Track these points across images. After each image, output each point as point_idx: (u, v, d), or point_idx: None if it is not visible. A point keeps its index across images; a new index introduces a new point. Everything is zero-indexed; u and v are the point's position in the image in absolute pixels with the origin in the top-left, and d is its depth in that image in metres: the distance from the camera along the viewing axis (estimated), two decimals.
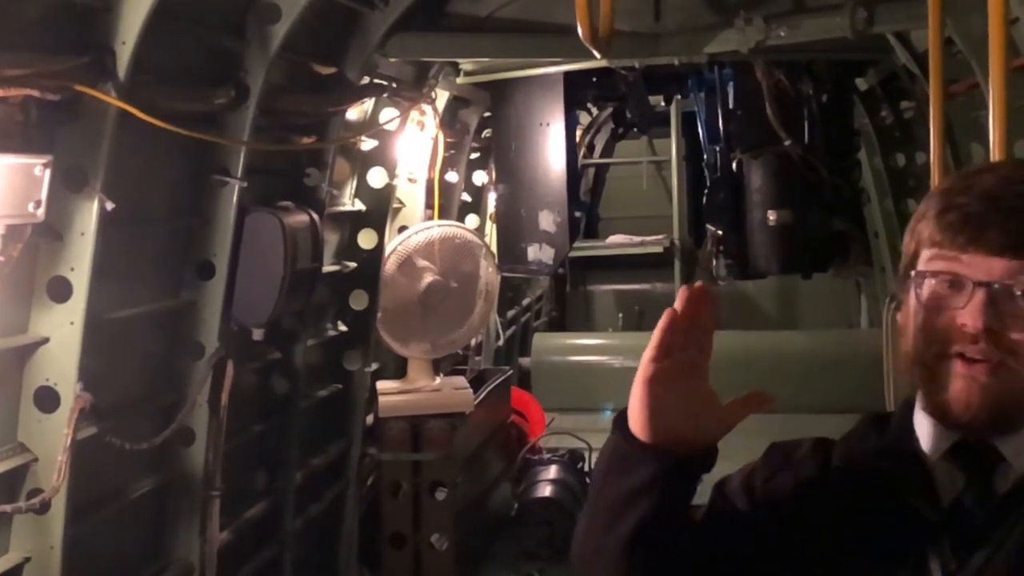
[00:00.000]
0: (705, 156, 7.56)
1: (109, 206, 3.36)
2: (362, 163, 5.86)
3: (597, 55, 4.53)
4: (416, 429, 5.92)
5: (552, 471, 6.78)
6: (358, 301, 5.85)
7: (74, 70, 3.25)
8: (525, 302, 10.71)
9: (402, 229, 6.25)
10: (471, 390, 6.27)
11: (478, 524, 6.53)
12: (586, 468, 6.96)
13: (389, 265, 5.88)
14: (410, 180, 6.34)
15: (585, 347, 10.32)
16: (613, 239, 11.96)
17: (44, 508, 3.34)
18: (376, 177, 5.87)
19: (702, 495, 1.70)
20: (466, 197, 7.96)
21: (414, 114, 5.96)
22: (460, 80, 6.54)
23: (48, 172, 3.15)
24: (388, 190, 5.96)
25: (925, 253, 1.56)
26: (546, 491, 6.61)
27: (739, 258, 7.25)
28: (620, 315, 12.21)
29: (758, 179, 7.04)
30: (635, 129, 11.05)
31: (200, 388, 4.17)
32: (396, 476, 5.95)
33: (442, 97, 6.39)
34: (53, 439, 3.38)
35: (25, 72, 3.06)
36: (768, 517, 1.66)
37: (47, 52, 3.19)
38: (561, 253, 7.00)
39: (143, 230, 4.04)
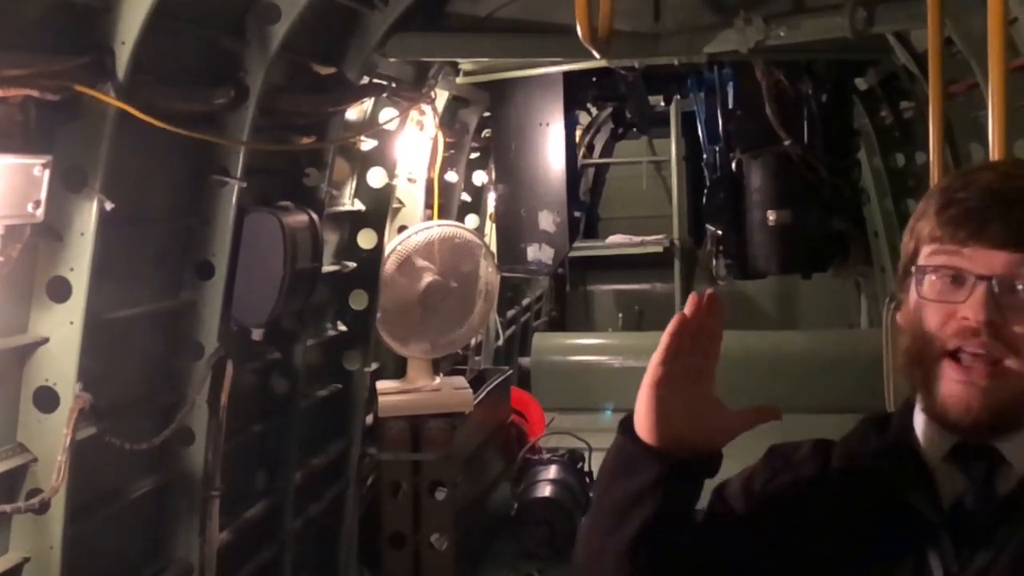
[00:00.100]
0: (705, 156, 7.56)
1: (108, 206, 3.36)
2: (362, 163, 5.86)
3: (597, 55, 4.53)
4: (416, 429, 5.92)
5: (552, 471, 6.78)
6: (358, 301, 5.85)
7: (74, 70, 3.25)
8: (525, 302, 10.71)
9: (402, 229, 6.25)
10: (471, 390, 6.27)
11: (478, 524, 6.53)
12: (586, 468, 6.96)
13: (389, 265, 5.88)
14: (410, 180, 6.34)
15: (585, 347, 10.33)
16: (613, 239, 11.96)
17: (43, 508, 3.34)
18: (376, 177, 5.87)
19: (702, 499, 1.70)
20: (466, 197, 7.96)
21: (414, 114, 5.96)
22: (460, 80, 6.54)
23: (47, 172, 3.15)
24: (388, 190, 5.96)
25: (925, 249, 1.56)
26: (546, 491, 6.61)
27: (739, 258, 7.25)
28: (620, 315, 12.22)
29: (758, 179, 7.04)
30: (635, 129, 11.05)
31: (200, 388, 4.17)
32: (396, 476, 5.95)
33: (442, 97, 6.39)
34: (52, 439, 3.38)
35: (25, 72, 3.06)
36: (768, 519, 1.66)
37: (47, 52, 3.19)
38: (561, 253, 7.00)
39: (143, 230, 4.04)
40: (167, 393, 4.19)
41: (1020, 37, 3.93)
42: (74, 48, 3.30)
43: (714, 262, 7.61)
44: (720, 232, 7.39)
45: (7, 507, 3.30)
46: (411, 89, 5.78)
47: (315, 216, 4.77)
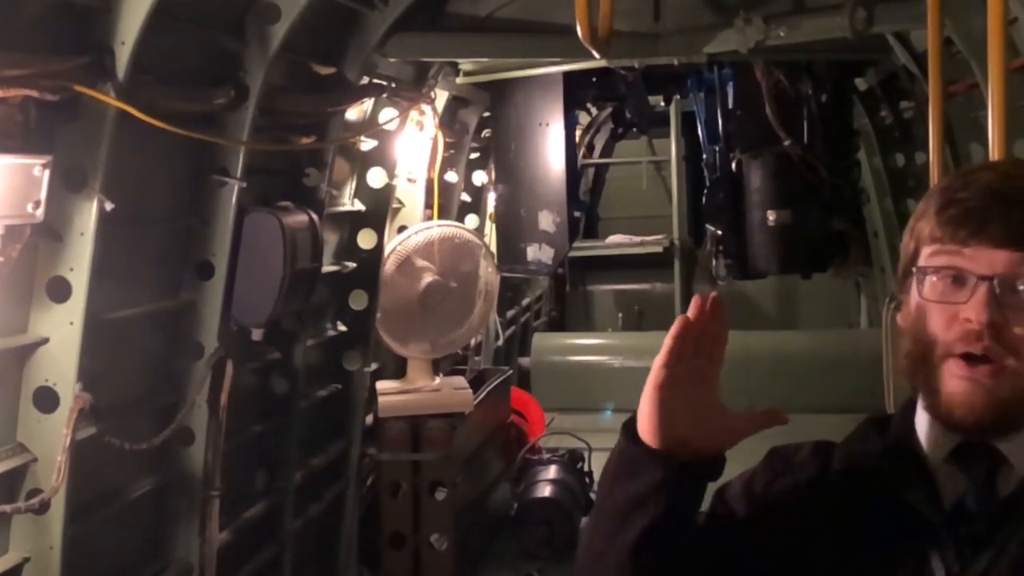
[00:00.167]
0: (705, 156, 7.57)
1: (108, 206, 3.36)
2: (361, 163, 5.86)
3: (596, 55, 4.53)
4: (416, 429, 5.92)
5: (552, 471, 6.78)
6: (358, 301, 5.85)
7: (73, 70, 3.25)
8: (525, 302, 10.71)
9: (401, 229, 6.25)
10: (471, 390, 6.27)
11: (478, 524, 6.53)
12: (586, 468, 6.96)
13: (388, 265, 5.88)
14: (409, 180, 6.34)
15: (585, 347, 10.33)
16: (613, 239, 11.96)
17: (43, 508, 3.34)
18: (375, 177, 5.87)
19: (703, 501, 1.69)
20: (465, 197, 7.96)
21: (413, 114, 5.96)
22: (459, 80, 6.54)
23: (47, 172, 3.16)
24: (387, 190, 5.96)
25: (926, 250, 1.55)
26: (546, 491, 6.61)
27: (739, 258, 7.26)
28: (620, 315, 12.22)
29: (757, 179, 7.05)
30: (635, 129, 11.06)
31: (199, 388, 4.17)
32: (396, 476, 5.95)
33: (441, 97, 6.39)
34: (52, 439, 3.38)
35: (24, 72, 3.06)
36: (770, 521, 1.66)
37: (47, 52, 3.19)
38: (560, 253, 7.00)
39: (142, 230, 4.04)
40: (167, 393, 4.19)
41: (1020, 37, 3.93)
42: (74, 48, 3.30)
43: (714, 262, 7.61)
44: (720, 232, 7.39)
45: (7, 507, 3.30)
46: (411, 89, 5.79)
47: (315, 216, 4.77)
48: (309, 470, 5.39)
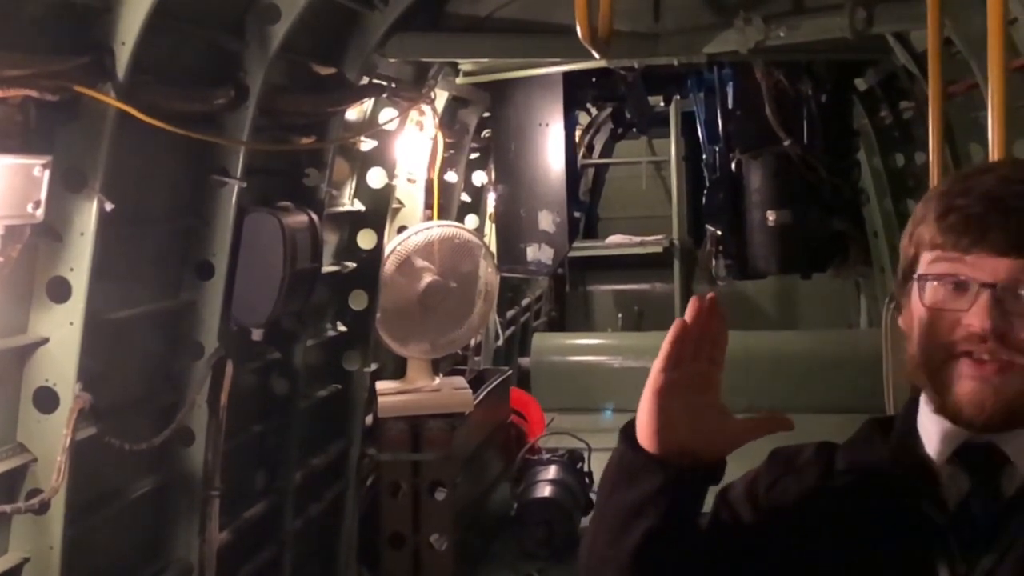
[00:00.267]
0: (704, 156, 7.57)
1: (108, 206, 3.36)
2: (361, 163, 5.86)
3: (596, 55, 4.53)
4: (415, 429, 5.92)
5: (551, 471, 6.78)
6: (357, 301, 5.85)
7: (73, 70, 3.25)
8: (524, 302, 10.71)
9: (401, 229, 6.25)
10: (470, 390, 6.27)
11: (477, 524, 6.53)
12: (586, 468, 6.96)
13: (388, 265, 5.88)
14: (409, 180, 6.34)
15: (584, 347, 10.33)
16: (612, 239, 11.96)
17: (43, 508, 3.34)
18: (375, 177, 5.87)
19: (705, 502, 1.68)
20: (465, 197, 7.96)
21: (413, 114, 5.96)
22: (459, 80, 6.54)
23: (47, 172, 3.16)
24: (387, 190, 5.96)
25: (926, 256, 1.55)
26: (545, 491, 6.61)
27: (738, 258, 7.26)
28: (619, 315, 12.22)
29: (757, 179, 7.05)
30: (634, 129, 11.05)
31: (199, 388, 4.17)
32: (395, 476, 5.95)
33: (441, 97, 6.39)
34: (52, 439, 3.38)
35: (24, 72, 3.06)
36: (773, 524, 1.65)
37: (46, 52, 3.20)
38: (560, 253, 7.00)
39: (142, 230, 4.04)
40: (167, 393, 4.19)
41: (1020, 37, 3.93)
42: (74, 48, 3.30)
43: (714, 262, 7.61)
44: (720, 232, 7.39)
45: (7, 507, 3.30)
46: (411, 89, 5.79)
47: (315, 216, 4.77)
48: (309, 470, 5.39)
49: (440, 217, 6.49)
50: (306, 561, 5.44)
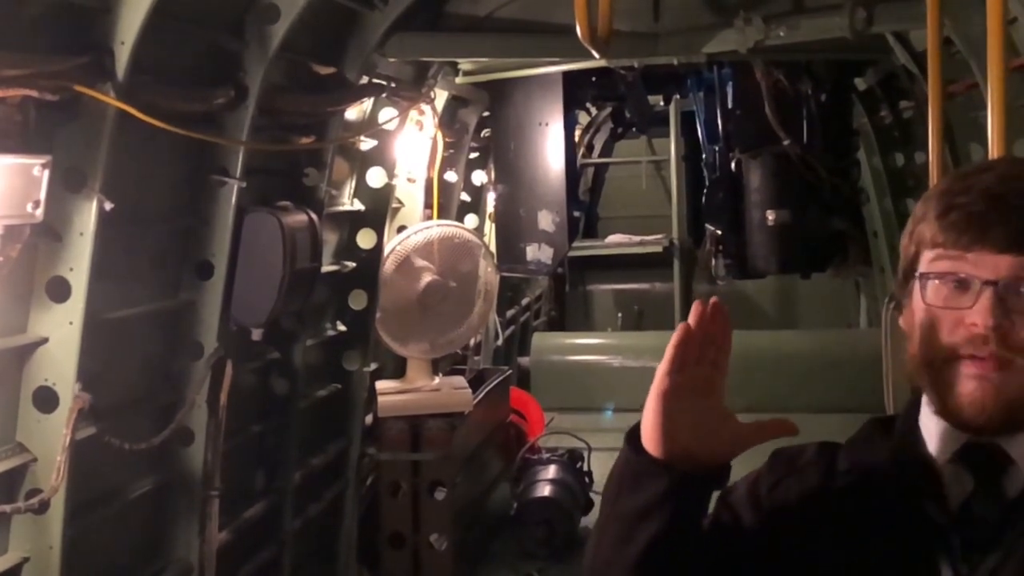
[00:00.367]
0: (704, 156, 7.57)
1: (108, 206, 3.36)
2: (361, 163, 5.86)
3: (596, 55, 4.53)
4: (415, 429, 5.92)
5: (551, 471, 6.78)
6: (357, 301, 5.85)
7: (73, 70, 3.25)
8: (524, 302, 10.72)
9: (401, 229, 6.25)
10: (470, 390, 6.27)
11: (477, 524, 6.53)
12: (585, 468, 6.96)
13: (388, 265, 5.88)
14: (409, 180, 6.34)
15: (584, 347, 10.33)
16: (612, 239, 11.96)
17: (43, 508, 3.34)
18: (375, 177, 5.87)
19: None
20: (465, 197, 7.96)
21: (413, 114, 5.96)
22: (459, 80, 6.54)
23: (47, 172, 3.16)
24: (387, 190, 5.95)
25: (927, 255, 1.55)
26: (545, 491, 6.61)
27: (738, 258, 7.26)
28: (619, 315, 12.23)
29: (757, 179, 7.05)
30: (634, 129, 11.06)
31: (199, 388, 4.17)
32: (395, 476, 5.95)
33: (441, 97, 6.39)
34: (52, 439, 3.38)
35: (24, 72, 3.06)
36: (775, 525, 1.65)
37: (46, 52, 3.20)
38: (560, 253, 7.01)
39: (142, 230, 4.04)
40: (166, 393, 4.19)
41: (1019, 37, 3.93)
42: (73, 48, 3.30)
43: (713, 262, 7.62)
44: (719, 232, 7.40)
45: (7, 507, 3.30)
46: (410, 89, 5.78)
47: (314, 216, 4.77)
48: (308, 470, 5.39)
49: (440, 217, 6.49)
50: (306, 561, 5.43)
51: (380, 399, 5.96)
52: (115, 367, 3.85)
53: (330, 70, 4.91)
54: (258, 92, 4.15)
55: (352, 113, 5.39)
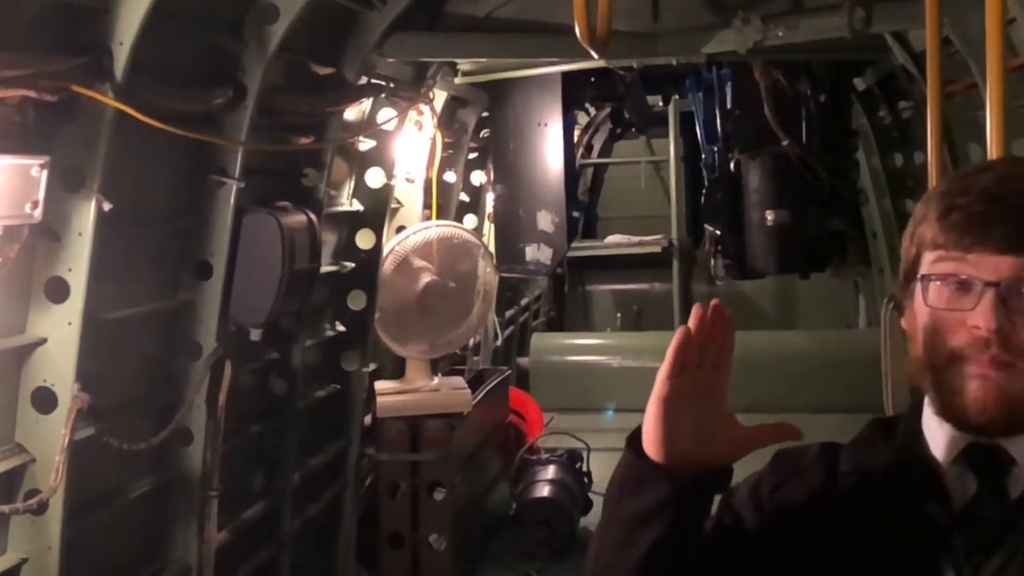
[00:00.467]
0: (703, 156, 7.57)
1: (107, 206, 3.36)
2: (360, 163, 5.85)
3: (595, 55, 4.53)
4: (414, 429, 5.92)
5: (550, 471, 6.78)
6: (356, 301, 5.85)
7: (71, 70, 3.25)
8: (523, 302, 10.72)
9: (400, 229, 6.24)
10: (469, 390, 6.27)
11: (476, 524, 6.53)
12: (584, 468, 6.96)
13: (387, 265, 5.88)
14: (408, 180, 6.33)
15: (583, 347, 10.34)
16: (611, 239, 11.96)
17: (42, 509, 3.34)
18: (374, 177, 5.87)
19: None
20: (464, 197, 7.96)
21: (412, 114, 5.96)
22: (458, 80, 6.54)
23: (45, 173, 3.15)
24: (386, 190, 5.95)
25: (928, 256, 1.54)
26: (544, 491, 6.61)
27: (737, 258, 7.26)
28: (618, 315, 12.23)
29: (756, 179, 7.05)
30: (633, 129, 11.08)
31: (198, 388, 4.17)
32: (394, 476, 5.95)
33: (440, 97, 6.39)
34: (51, 440, 3.37)
35: (22, 72, 3.06)
36: (777, 526, 1.65)
37: (44, 52, 3.19)
38: (559, 253, 7.01)
39: (141, 230, 4.03)
40: (165, 393, 4.19)
41: (1018, 37, 3.93)
42: (72, 48, 3.30)
43: (712, 262, 7.61)
44: (718, 232, 7.39)
45: (5, 508, 3.30)
46: (409, 89, 5.78)
47: (313, 216, 4.76)
48: (307, 470, 5.39)
49: (439, 217, 6.49)
50: (304, 561, 5.43)
51: (379, 399, 5.96)
52: (114, 367, 3.85)
53: (329, 70, 4.91)
54: (257, 92, 4.15)
55: (351, 113, 5.39)
